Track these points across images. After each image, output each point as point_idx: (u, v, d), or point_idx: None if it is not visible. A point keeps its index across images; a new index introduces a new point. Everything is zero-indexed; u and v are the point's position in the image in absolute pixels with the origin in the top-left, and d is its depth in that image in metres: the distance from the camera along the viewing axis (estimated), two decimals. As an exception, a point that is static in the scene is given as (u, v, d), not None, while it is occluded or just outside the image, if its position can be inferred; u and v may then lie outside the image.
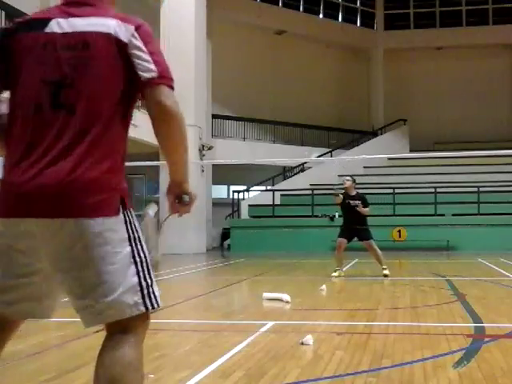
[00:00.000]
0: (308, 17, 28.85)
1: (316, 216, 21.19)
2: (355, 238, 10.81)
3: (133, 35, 2.03)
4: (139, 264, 2.00)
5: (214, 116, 24.36)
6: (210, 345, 4.72)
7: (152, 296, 2.01)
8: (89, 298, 1.94)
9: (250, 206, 22.81)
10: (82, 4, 2.07)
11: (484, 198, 20.91)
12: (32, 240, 1.94)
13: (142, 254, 2.02)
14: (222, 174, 24.46)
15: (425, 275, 11.18)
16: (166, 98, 2.00)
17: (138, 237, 2.03)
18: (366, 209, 10.62)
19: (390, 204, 21.21)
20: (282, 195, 23.34)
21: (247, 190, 24.04)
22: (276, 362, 4.03)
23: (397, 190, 21.62)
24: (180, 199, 2.18)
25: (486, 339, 4.82)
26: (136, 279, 1.98)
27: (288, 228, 20.88)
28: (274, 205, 22.23)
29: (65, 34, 1.99)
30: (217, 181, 24.39)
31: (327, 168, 23.97)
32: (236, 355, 4.27)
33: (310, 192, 22.12)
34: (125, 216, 2.02)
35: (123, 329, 1.98)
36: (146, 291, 1.99)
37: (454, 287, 8.68)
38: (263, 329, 5.34)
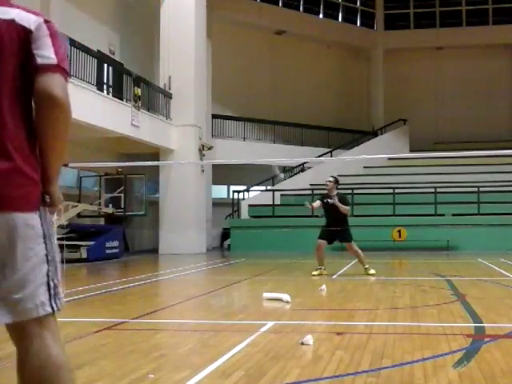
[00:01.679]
0: (308, 17, 28.85)
1: (316, 216, 21.18)
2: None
3: (40, 25, 1.99)
4: (51, 263, 1.97)
5: (214, 116, 24.37)
6: (209, 345, 4.72)
7: (56, 297, 1.98)
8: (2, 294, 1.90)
9: (249, 205, 22.80)
10: None
11: (484, 198, 20.90)
12: None
13: (53, 253, 2.00)
14: (222, 173, 24.46)
15: (425, 275, 11.18)
16: (59, 86, 1.95)
17: (51, 233, 2.00)
18: (345, 206, 10.75)
19: (390, 204, 21.21)
20: (281, 195, 23.34)
21: (247, 190, 24.04)
22: (276, 362, 4.03)
23: (397, 190, 21.61)
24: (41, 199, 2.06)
25: (486, 339, 4.82)
26: (45, 279, 1.95)
27: (288, 228, 20.87)
28: (273, 205, 22.23)
29: None
30: (217, 181, 24.39)
31: (327, 168, 23.95)
32: (236, 355, 4.27)
33: (310, 192, 22.12)
34: (40, 212, 1.97)
35: (36, 327, 1.94)
36: (53, 291, 1.97)
37: (453, 287, 8.68)
38: (263, 329, 5.34)
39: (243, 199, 23.41)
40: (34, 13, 2.05)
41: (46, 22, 2.04)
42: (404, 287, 8.82)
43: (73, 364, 4.11)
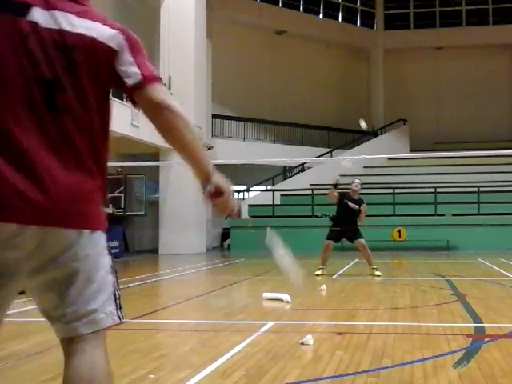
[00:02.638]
0: (308, 17, 28.85)
1: (316, 216, 21.19)
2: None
3: (121, 42, 1.96)
4: (114, 273, 1.98)
5: (214, 116, 24.36)
6: (209, 345, 4.72)
7: (121, 307, 2.00)
8: (69, 307, 1.89)
9: (250, 205, 22.80)
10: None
11: (484, 198, 20.90)
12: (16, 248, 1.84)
13: (114, 264, 2.01)
14: (222, 173, 24.32)
15: (425, 275, 11.18)
16: (157, 94, 1.98)
17: (110, 245, 2.02)
18: (363, 216, 10.68)
19: (390, 204, 21.21)
20: (281, 195, 23.34)
21: (247, 190, 24.04)
22: (276, 362, 4.03)
23: (397, 190, 21.61)
24: (204, 190, 2.13)
25: (486, 339, 4.82)
26: (112, 289, 1.96)
27: (288, 228, 20.86)
28: (274, 205, 22.23)
29: (51, 30, 1.84)
30: (217, 181, 24.35)
31: (327, 168, 23.96)
32: (236, 355, 4.27)
33: (309, 192, 22.12)
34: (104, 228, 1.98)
35: (97, 339, 1.93)
36: (118, 302, 1.98)
37: (453, 287, 8.68)
38: (263, 329, 5.34)
39: (243, 199, 23.41)
40: (117, 26, 1.99)
41: (127, 34, 1.99)
42: (404, 287, 8.82)
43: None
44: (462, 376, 3.65)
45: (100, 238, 1.93)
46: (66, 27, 1.86)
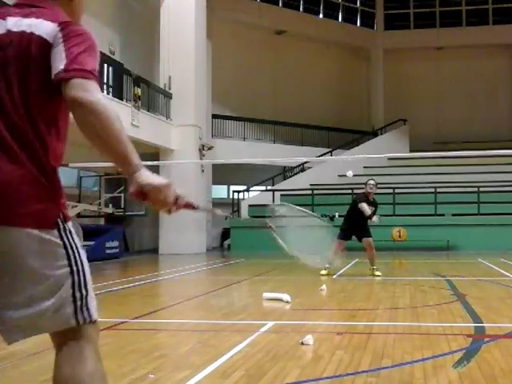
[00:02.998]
0: (308, 17, 28.86)
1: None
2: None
3: (57, 35, 1.91)
4: (75, 274, 1.91)
5: (214, 116, 24.36)
6: (209, 345, 4.72)
7: (84, 309, 1.93)
8: (17, 309, 1.85)
9: (250, 206, 22.80)
10: (24, 5, 2.02)
11: (484, 198, 20.90)
12: None
13: (78, 263, 1.93)
14: (222, 173, 24.46)
15: (425, 275, 11.18)
16: (77, 90, 1.84)
17: (75, 244, 1.94)
18: (376, 219, 10.59)
19: (390, 204, 21.20)
20: (281, 195, 23.33)
21: (247, 190, 24.04)
22: (276, 362, 4.03)
23: (397, 190, 21.61)
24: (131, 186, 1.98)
25: (486, 339, 4.82)
26: (70, 290, 1.89)
27: (288, 228, 20.83)
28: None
29: (1, 35, 1.96)
30: (217, 181, 24.39)
31: (327, 168, 23.97)
32: (236, 355, 4.27)
33: (310, 192, 22.12)
34: (59, 225, 1.90)
35: (71, 340, 1.91)
36: (79, 303, 1.91)
37: (453, 287, 8.68)
38: (263, 329, 5.34)
39: (243, 199, 23.41)
40: (55, 20, 1.96)
41: (63, 25, 1.95)
42: (404, 287, 8.82)
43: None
44: (462, 376, 3.65)
45: (40, 237, 1.85)
46: (12, 28, 1.95)
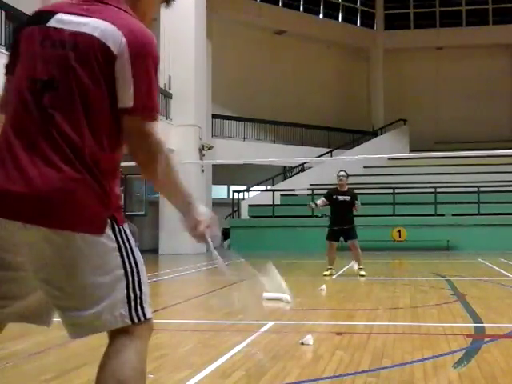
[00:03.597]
0: (308, 17, 28.85)
1: (316, 216, 21.19)
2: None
3: (123, 47, 1.86)
4: (130, 275, 1.94)
5: (214, 116, 24.36)
6: (209, 345, 4.72)
7: (139, 308, 1.96)
8: (73, 310, 1.90)
9: (250, 206, 22.80)
10: (90, 1, 1.96)
11: (484, 197, 20.90)
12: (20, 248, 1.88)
13: (133, 264, 1.96)
14: (222, 173, 24.46)
15: (425, 275, 11.18)
16: (142, 132, 1.90)
17: (130, 245, 1.97)
18: (360, 205, 10.58)
19: (390, 204, 21.21)
20: (281, 195, 23.34)
21: (247, 190, 24.04)
22: (276, 362, 4.03)
23: (397, 190, 21.62)
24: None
25: (486, 339, 4.82)
26: (124, 291, 1.92)
27: (288, 228, 20.86)
28: (274, 205, 22.22)
29: (59, 31, 1.89)
30: (217, 181, 24.39)
31: (327, 168, 23.95)
32: (236, 355, 4.27)
33: (310, 192, 22.11)
34: (114, 228, 1.92)
35: (124, 336, 1.94)
36: (133, 303, 1.94)
37: (454, 287, 8.68)
38: (263, 329, 5.34)
39: (243, 199, 23.41)
40: (119, 22, 1.89)
41: (130, 37, 1.88)
42: (404, 287, 8.82)
43: (73, 364, 4.13)
44: (462, 376, 3.65)
45: (95, 240, 1.87)
46: (69, 27, 1.90)
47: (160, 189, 2.12)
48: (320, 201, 10.92)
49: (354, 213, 10.77)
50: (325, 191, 11.42)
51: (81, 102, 1.86)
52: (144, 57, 1.91)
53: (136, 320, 1.95)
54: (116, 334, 1.95)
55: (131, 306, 1.94)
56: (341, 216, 10.62)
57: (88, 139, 1.86)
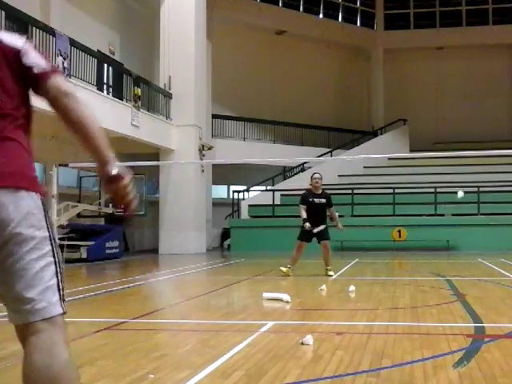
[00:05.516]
0: (308, 17, 28.86)
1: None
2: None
3: (24, 43, 2.15)
4: (58, 265, 2.01)
5: (214, 116, 24.37)
6: (209, 345, 4.72)
7: (64, 300, 2.03)
8: (10, 296, 1.95)
9: (250, 205, 22.80)
10: None
11: (484, 198, 20.90)
12: None
13: (59, 255, 2.04)
14: (222, 173, 24.45)
15: (425, 275, 11.18)
16: (63, 83, 2.13)
17: (54, 236, 2.05)
18: (336, 214, 10.68)
19: (390, 204, 21.21)
20: (281, 195, 23.33)
21: (247, 190, 24.04)
22: (276, 362, 4.03)
23: (397, 190, 21.62)
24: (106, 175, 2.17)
25: (486, 339, 4.82)
26: (55, 279, 1.99)
27: (288, 228, 20.85)
28: (274, 205, 22.22)
29: None
30: (217, 181, 24.39)
31: (327, 168, 23.95)
32: (236, 355, 4.27)
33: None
34: (45, 212, 2.02)
35: (50, 327, 1.96)
36: (62, 293, 2.01)
37: (454, 287, 8.68)
38: (263, 329, 5.34)
39: (243, 199, 23.41)
40: (13, 35, 2.19)
41: (26, 40, 2.20)
42: (404, 287, 8.82)
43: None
44: (462, 376, 3.65)
45: (33, 223, 1.97)
46: None
47: (79, 131, 2.15)
48: (304, 214, 10.68)
49: (339, 230, 10.93)
50: (324, 191, 11.38)
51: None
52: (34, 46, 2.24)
53: (64, 310, 2.01)
54: (41, 326, 1.95)
55: (61, 295, 2.00)
56: (316, 218, 10.62)
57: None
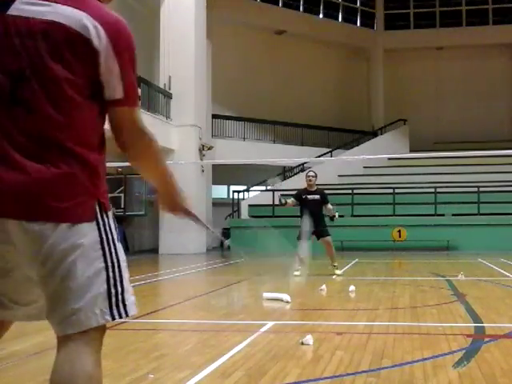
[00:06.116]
0: (308, 17, 28.85)
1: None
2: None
3: (104, 40, 1.81)
4: (110, 269, 1.89)
5: (214, 116, 24.36)
6: (209, 345, 4.72)
7: (121, 305, 1.89)
8: (53, 305, 1.85)
9: (250, 205, 22.79)
10: None
11: (484, 197, 20.89)
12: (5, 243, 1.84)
13: (114, 259, 1.92)
14: (222, 173, 24.45)
15: (425, 275, 11.18)
16: (133, 121, 1.92)
17: (112, 239, 1.93)
18: (330, 206, 10.61)
19: (390, 204, 21.21)
20: (282, 195, 23.29)
21: (247, 190, 24.03)
22: (276, 362, 4.03)
23: (397, 190, 21.61)
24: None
25: (486, 339, 4.82)
26: (105, 286, 1.86)
27: (288, 228, 20.83)
28: (274, 205, 22.21)
29: (26, 19, 1.80)
30: (217, 181, 24.38)
31: (327, 168, 23.96)
32: (236, 355, 4.27)
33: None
34: (98, 219, 1.89)
35: (83, 339, 1.85)
36: (114, 299, 1.88)
37: (454, 287, 8.68)
38: (263, 329, 5.34)
39: (243, 199, 23.40)
40: (102, 16, 1.83)
41: (113, 27, 1.84)
42: (404, 287, 8.82)
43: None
44: (462, 376, 3.65)
45: (78, 231, 1.83)
46: (37, 15, 1.81)
47: (148, 173, 2.12)
48: (290, 200, 10.91)
49: (334, 221, 10.88)
50: (325, 191, 11.40)
51: (54, 95, 1.81)
52: (127, 49, 1.89)
53: (117, 317, 1.88)
54: (71, 336, 1.84)
55: (112, 302, 1.87)
56: (312, 217, 10.58)
57: (65, 131, 1.82)
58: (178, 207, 2.30)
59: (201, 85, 20.61)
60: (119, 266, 1.94)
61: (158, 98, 19.43)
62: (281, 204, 11.09)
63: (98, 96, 1.88)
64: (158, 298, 8.90)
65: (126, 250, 19.52)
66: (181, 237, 19.20)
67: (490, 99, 30.25)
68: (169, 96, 19.84)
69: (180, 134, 19.85)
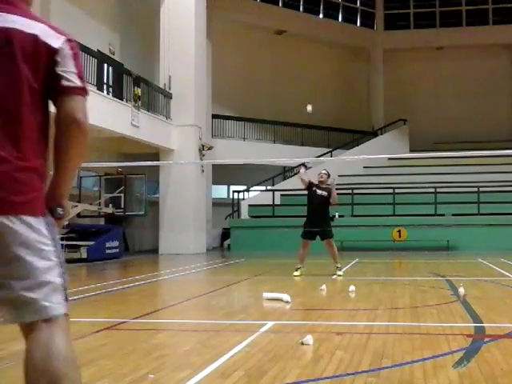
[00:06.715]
0: (308, 17, 28.86)
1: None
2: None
3: (64, 45, 2.06)
4: (62, 265, 2.04)
5: (214, 116, 24.37)
6: (209, 345, 4.72)
7: (68, 299, 2.06)
8: (15, 294, 1.95)
9: (250, 205, 22.80)
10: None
11: (484, 197, 20.90)
12: None
13: (62, 257, 2.05)
14: (222, 173, 24.45)
15: (425, 275, 11.18)
16: (81, 111, 2.04)
17: (57, 238, 2.06)
18: (335, 194, 10.71)
19: (390, 204, 21.21)
20: (281, 195, 23.33)
21: (247, 190, 24.04)
22: (276, 362, 4.03)
23: (397, 190, 21.62)
24: (53, 211, 2.11)
25: (486, 339, 4.82)
26: (60, 280, 2.02)
27: (288, 228, 20.86)
28: (274, 205, 22.23)
29: None
30: (217, 181, 24.39)
31: (327, 168, 23.92)
32: (236, 355, 4.27)
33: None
34: (46, 218, 2.04)
35: (51, 325, 1.98)
36: (66, 292, 2.04)
37: (453, 287, 8.67)
38: (263, 329, 5.34)
39: (243, 199, 23.41)
40: (58, 30, 2.09)
41: (69, 41, 2.10)
42: (404, 287, 8.82)
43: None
44: (462, 376, 3.65)
45: (36, 225, 1.97)
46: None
47: (58, 160, 2.11)
48: (305, 176, 11.23)
49: (334, 221, 10.99)
50: (329, 187, 11.45)
51: (22, 97, 1.98)
52: (77, 49, 2.12)
53: (67, 309, 2.04)
54: (41, 324, 1.97)
55: (66, 294, 2.04)
56: (316, 213, 10.77)
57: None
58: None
59: (201, 85, 20.61)
60: (64, 266, 2.08)
61: (157, 98, 19.43)
62: (301, 169, 11.28)
63: (42, 99, 2.06)
64: (158, 298, 8.90)
65: (126, 250, 19.53)
66: (181, 237, 19.21)
67: (490, 99, 30.25)
68: (169, 96, 19.84)
69: (180, 134, 19.85)
